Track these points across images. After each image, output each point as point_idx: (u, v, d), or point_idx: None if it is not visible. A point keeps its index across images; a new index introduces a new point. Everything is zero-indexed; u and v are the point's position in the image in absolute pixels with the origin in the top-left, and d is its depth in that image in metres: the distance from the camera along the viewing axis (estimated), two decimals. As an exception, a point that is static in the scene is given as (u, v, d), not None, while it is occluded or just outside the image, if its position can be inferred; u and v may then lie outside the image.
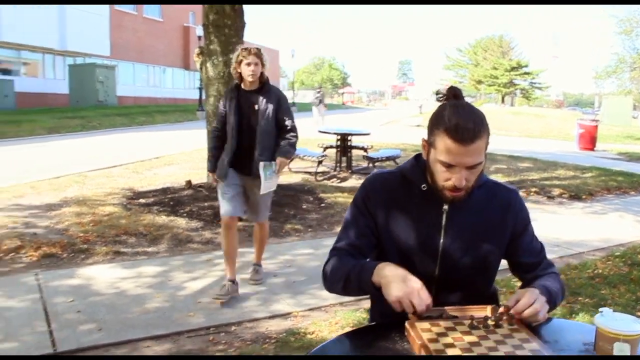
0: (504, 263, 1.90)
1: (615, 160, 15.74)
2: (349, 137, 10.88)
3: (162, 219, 6.61)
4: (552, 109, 64.24)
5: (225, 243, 4.40)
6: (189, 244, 5.79)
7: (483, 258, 1.78)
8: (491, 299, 1.82)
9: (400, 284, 1.53)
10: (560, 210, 8.34)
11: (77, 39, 31.20)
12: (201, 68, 7.43)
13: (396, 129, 25.31)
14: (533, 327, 1.52)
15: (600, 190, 9.93)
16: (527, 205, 6.31)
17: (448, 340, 1.40)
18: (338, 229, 1.98)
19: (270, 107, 4.32)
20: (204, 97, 8.59)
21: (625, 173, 12.14)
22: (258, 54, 4.28)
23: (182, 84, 44.25)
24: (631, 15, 24.96)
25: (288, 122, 4.41)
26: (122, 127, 20.82)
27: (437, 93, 1.70)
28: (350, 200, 1.91)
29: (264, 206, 4.60)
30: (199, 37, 20.90)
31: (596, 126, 18.97)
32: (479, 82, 71.56)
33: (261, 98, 4.31)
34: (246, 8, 7.54)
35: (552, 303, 1.66)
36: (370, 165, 10.48)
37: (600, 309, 1.38)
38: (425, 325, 1.47)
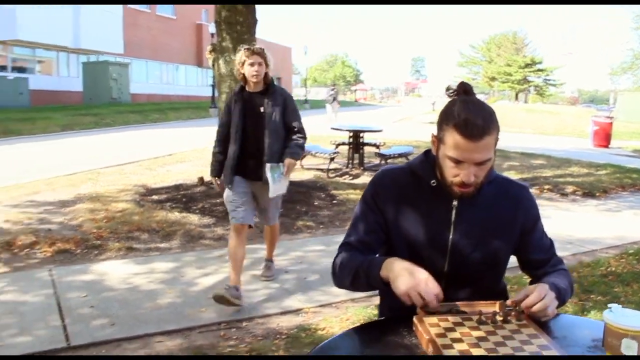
0: (513, 260, 1.90)
1: (631, 157, 15.58)
2: (361, 134, 10.86)
3: (175, 215, 6.65)
4: (566, 106, 63.81)
5: (233, 249, 4.17)
6: (201, 240, 5.82)
7: (492, 254, 1.78)
8: (500, 294, 1.82)
9: (407, 276, 1.53)
10: (573, 207, 8.29)
11: (90, 37, 31.38)
12: (213, 65, 7.45)
13: (409, 126, 25.24)
14: (541, 323, 1.52)
15: (615, 188, 9.84)
16: (540, 202, 6.25)
17: (456, 335, 1.40)
18: (349, 225, 1.99)
19: (277, 109, 4.17)
20: (216, 94, 8.65)
21: (641, 170, 12.02)
22: (261, 53, 4.12)
23: (195, 82, 44.38)
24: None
25: (295, 124, 4.27)
26: (135, 124, 20.94)
27: (448, 89, 1.70)
28: (362, 197, 1.91)
29: (275, 209, 4.49)
30: (212, 35, 20.94)
31: (611, 123, 18.78)
32: (493, 79, 71.26)
33: (267, 100, 4.16)
34: (258, 5, 7.55)
35: (561, 300, 1.65)
36: (383, 162, 10.46)
37: (609, 305, 1.37)
38: (433, 320, 1.48)
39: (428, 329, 1.42)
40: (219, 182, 4.43)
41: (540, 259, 1.84)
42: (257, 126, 4.17)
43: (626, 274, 5.09)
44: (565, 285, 1.73)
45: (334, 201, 7.88)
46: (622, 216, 7.85)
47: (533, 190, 9.00)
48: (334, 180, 9.43)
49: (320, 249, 5.66)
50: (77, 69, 32.57)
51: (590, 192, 9.26)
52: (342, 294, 4.26)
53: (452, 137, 1.58)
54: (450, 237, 1.75)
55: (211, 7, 7.81)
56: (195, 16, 42.77)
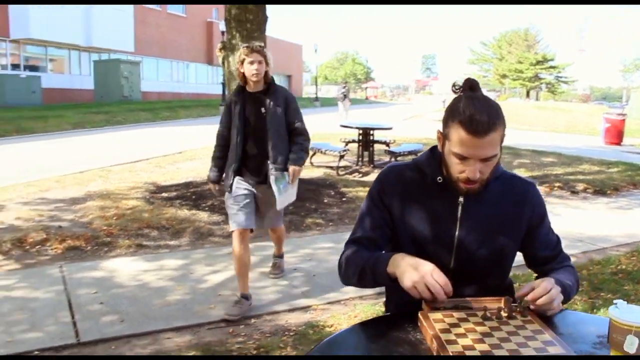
0: (520, 259, 1.89)
1: (643, 155, 15.46)
2: (371, 132, 10.86)
3: (184, 212, 6.68)
4: (578, 103, 63.42)
5: (237, 254, 4.02)
6: (210, 238, 5.84)
7: (499, 250, 1.77)
8: (507, 291, 1.81)
9: (413, 270, 1.53)
10: (584, 205, 8.24)
11: (102, 35, 31.59)
12: (223, 63, 7.47)
13: (419, 124, 25.17)
14: (546, 320, 1.51)
15: (626, 185, 9.77)
16: (551, 200, 6.27)
17: (460, 330, 1.40)
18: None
19: (279, 109, 4.01)
20: (226, 92, 8.66)
21: (653, 168, 11.92)
22: (261, 51, 3.93)
23: (205, 79, 44.51)
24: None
25: (298, 124, 4.12)
26: (146, 122, 21.03)
27: (454, 85, 1.69)
28: (370, 194, 1.90)
29: (275, 215, 4.30)
30: (222, 32, 20.97)
31: (623, 120, 18.62)
32: (504, 76, 70.97)
33: (268, 100, 3.99)
34: (268, 3, 7.56)
35: (566, 296, 1.65)
36: (392, 159, 10.45)
37: (615, 301, 1.36)
38: (438, 315, 1.48)
39: (433, 325, 1.42)
40: (217, 188, 4.27)
41: (547, 256, 1.84)
42: (259, 127, 4.00)
43: (637, 271, 5.05)
44: (571, 281, 1.72)
45: (344, 199, 7.88)
46: (633, 214, 7.80)
47: (543, 188, 8.97)
48: (343, 178, 9.43)
49: (329, 246, 5.67)
50: (88, 67, 32.78)
51: (601, 189, 9.20)
52: (351, 291, 4.27)
53: (458, 134, 1.58)
54: (457, 233, 1.75)
55: (222, 5, 7.80)
56: (205, 14, 42.88)
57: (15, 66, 29.33)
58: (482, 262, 1.76)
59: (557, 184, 9.38)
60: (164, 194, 7.66)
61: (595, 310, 4.04)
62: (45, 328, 3.65)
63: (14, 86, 25.44)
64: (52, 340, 3.48)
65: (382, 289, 1.98)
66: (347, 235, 1.90)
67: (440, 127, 1.70)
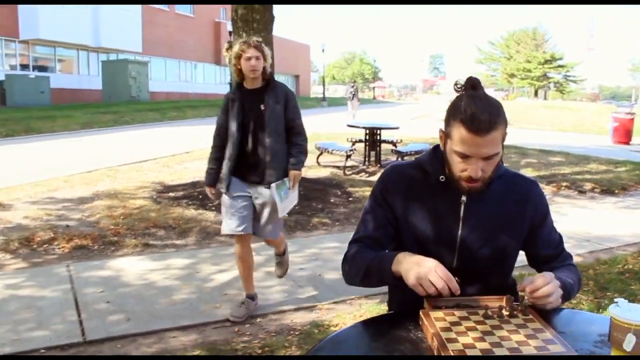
0: (524, 258, 1.89)
1: (652, 154, 15.38)
2: (378, 131, 10.85)
3: (191, 212, 6.70)
4: (587, 102, 63.13)
5: (240, 261, 4.00)
6: (216, 237, 5.85)
7: (501, 249, 1.78)
8: (509, 290, 1.81)
9: (417, 267, 1.54)
10: (591, 204, 8.20)
11: (110, 35, 31.73)
12: (230, 63, 7.47)
13: (427, 124, 25.12)
14: (548, 318, 1.51)
15: (634, 185, 9.72)
16: (558, 199, 6.25)
17: (461, 329, 1.40)
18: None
19: (279, 106, 3.83)
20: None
21: (661, 167, 11.86)
22: (258, 46, 3.77)
23: (212, 79, 44.61)
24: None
25: (297, 122, 3.94)
26: (154, 122, 21.09)
27: (456, 84, 1.70)
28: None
29: (274, 224, 3.97)
30: (230, 32, 21.03)
31: (632, 119, 18.51)
32: (512, 75, 70.76)
33: (267, 97, 3.81)
34: (275, 4, 7.57)
35: (567, 294, 1.65)
36: (399, 159, 10.44)
37: (615, 300, 1.36)
38: (439, 314, 1.48)
39: (434, 323, 1.42)
40: (213, 192, 4.06)
41: (549, 254, 1.83)
42: (257, 125, 3.82)
43: (644, 271, 5.03)
44: (572, 280, 1.72)
45: (350, 198, 7.89)
46: (641, 214, 7.76)
47: (550, 188, 8.94)
48: (350, 178, 9.44)
49: (335, 245, 5.67)
50: (97, 67, 32.94)
51: (608, 189, 9.16)
52: (356, 290, 4.24)
53: (459, 132, 1.58)
54: (459, 232, 1.75)
55: (229, 5, 7.83)
56: (213, 14, 42.99)
57: (24, 66, 29.53)
58: (485, 261, 1.76)
59: (564, 184, 9.35)
60: (171, 194, 7.69)
61: (601, 310, 4.03)
62: (52, 326, 3.67)
63: (23, 86, 25.58)
64: (58, 339, 3.50)
65: (386, 288, 1.98)
66: (353, 235, 1.90)
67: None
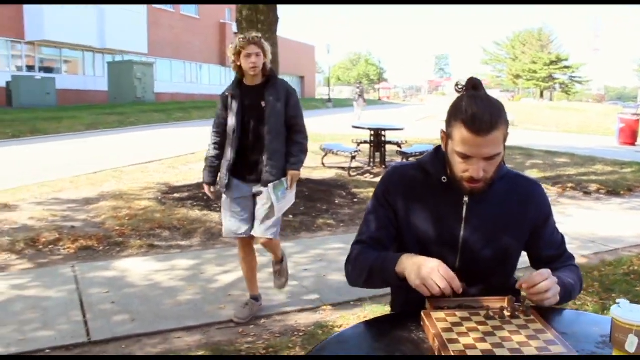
0: (526, 260, 1.89)
1: (657, 155, 15.31)
2: (383, 133, 10.86)
3: (196, 213, 6.71)
4: (593, 103, 62.92)
5: (243, 263, 4.03)
6: (221, 238, 5.86)
7: (504, 250, 1.78)
8: (512, 291, 1.82)
9: (420, 268, 1.54)
10: (596, 206, 8.19)
11: (115, 36, 31.81)
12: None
13: (432, 125, 25.08)
14: (550, 319, 1.51)
15: (640, 186, 9.70)
16: (563, 201, 6.23)
17: (462, 329, 1.40)
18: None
19: (279, 103, 3.73)
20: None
21: (667, 168, 11.82)
22: (258, 42, 3.67)
23: (218, 80, 44.62)
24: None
25: (297, 120, 3.85)
26: (159, 123, 21.13)
27: (457, 84, 1.70)
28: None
29: (273, 223, 3.82)
30: (235, 33, 21.06)
31: (638, 120, 18.44)
32: (517, 76, 70.64)
33: (267, 93, 3.71)
34: (280, 4, 7.60)
35: (568, 294, 1.65)
36: (404, 160, 10.44)
37: (617, 300, 1.36)
38: (441, 315, 1.48)
39: (435, 324, 1.43)
40: (212, 190, 3.98)
41: (552, 255, 1.83)
42: (257, 122, 3.73)
43: (649, 273, 5.02)
44: (573, 280, 1.72)
45: (355, 199, 7.89)
46: (647, 215, 7.74)
47: (556, 189, 8.93)
48: (355, 179, 9.45)
49: (340, 247, 5.67)
50: (102, 68, 33.02)
51: (614, 190, 9.14)
52: (360, 291, 4.25)
53: (460, 133, 1.59)
54: (461, 233, 1.75)
55: (235, 6, 7.86)
56: (219, 15, 43.04)
57: (30, 68, 29.66)
58: (487, 261, 1.76)
59: (569, 185, 9.33)
60: (176, 195, 7.70)
61: (606, 312, 4.01)
62: (57, 327, 3.69)
63: (29, 87, 25.66)
64: (63, 339, 3.52)
65: (389, 289, 1.99)
66: (358, 237, 1.90)
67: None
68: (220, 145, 3.91)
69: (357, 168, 10.42)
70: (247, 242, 3.95)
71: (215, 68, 44.05)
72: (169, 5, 37.89)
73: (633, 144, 17.88)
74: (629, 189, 9.31)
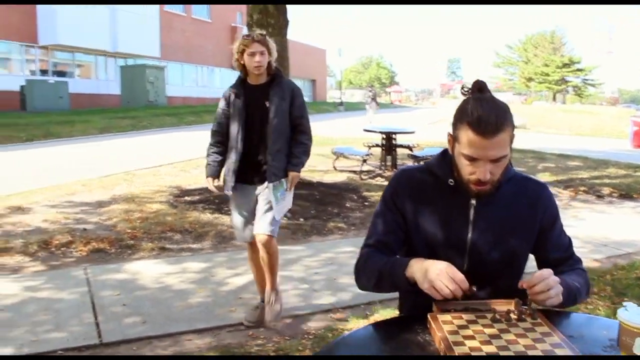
0: (534, 264, 1.89)
1: (672, 158, 15.18)
2: (394, 136, 10.85)
3: (207, 216, 6.74)
4: (606, 106, 62.47)
5: (253, 266, 4.01)
6: (232, 241, 5.88)
7: (511, 252, 1.78)
8: (520, 294, 1.82)
9: (429, 270, 1.54)
10: (609, 209, 8.13)
11: (128, 40, 32.00)
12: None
13: (444, 128, 25.02)
14: (558, 322, 1.51)
15: (654, 190, 9.61)
16: (575, 204, 6.20)
17: (468, 332, 1.41)
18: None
19: (284, 102, 3.65)
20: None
21: (681, 172, 11.71)
22: (263, 41, 3.58)
23: (229, 84, 44.56)
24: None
25: (302, 121, 3.76)
26: (171, 127, 21.21)
27: (463, 87, 1.71)
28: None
29: (270, 218, 3.68)
30: (246, 38, 21.05)
31: (651, 123, 18.33)
32: (530, 79, 70.28)
33: (272, 93, 3.63)
34: (290, 5, 7.65)
35: (573, 297, 1.65)
36: (416, 164, 10.42)
37: (624, 304, 1.36)
38: (447, 317, 1.49)
39: (441, 326, 1.43)
40: (215, 185, 3.87)
41: (558, 258, 1.83)
42: (260, 122, 3.65)
43: (662, 277, 4.98)
44: (579, 283, 1.72)
45: (366, 203, 7.89)
46: (661, 218, 7.68)
47: (568, 192, 8.88)
48: (366, 182, 9.45)
49: (350, 250, 5.67)
50: (114, 72, 33.22)
51: (627, 193, 9.07)
52: (371, 295, 4.25)
53: (466, 135, 1.59)
54: (469, 236, 1.75)
55: (245, 10, 7.91)
56: (230, 19, 43.20)
57: (43, 72, 29.90)
58: (495, 264, 1.76)
59: (582, 188, 9.28)
60: (188, 198, 7.74)
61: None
62: (69, 328, 3.72)
63: (43, 91, 25.86)
64: (75, 341, 3.54)
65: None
66: (369, 240, 1.90)
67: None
68: (221, 143, 3.83)
69: (368, 171, 10.42)
70: (257, 245, 3.89)
71: (226, 72, 44.16)
72: (180, 9, 38.07)
73: (647, 147, 17.75)
74: (642, 193, 9.23)
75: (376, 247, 1.84)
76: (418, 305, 1.66)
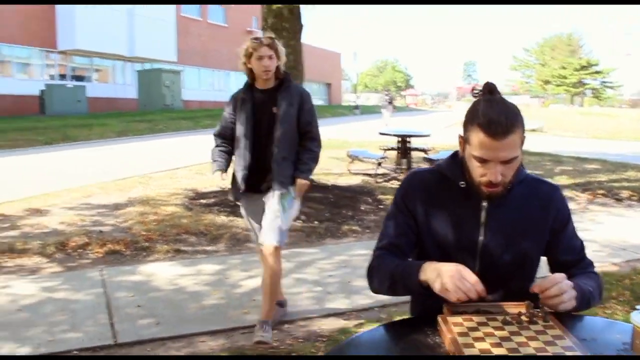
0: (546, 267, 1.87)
1: (692, 161, 14.98)
2: (409, 139, 10.83)
3: (222, 219, 6.77)
4: (626, 108, 61.85)
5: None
6: (246, 244, 5.90)
7: (523, 255, 1.77)
8: (532, 296, 1.81)
9: (443, 273, 1.53)
10: (628, 213, 8.03)
11: (145, 45, 32.28)
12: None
13: (460, 131, 24.93)
14: (571, 325, 1.50)
15: (673, 193, 9.48)
16: (593, 207, 6.16)
17: (478, 334, 1.40)
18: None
19: (292, 108, 3.53)
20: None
21: (702, 174, 11.55)
22: (271, 44, 3.47)
23: (245, 88, 44.90)
24: None
25: (311, 127, 3.63)
26: (187, 130, 21.34)
27: (473, 89, 1.70)
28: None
29: (277, 228, 3.56)
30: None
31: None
32: (547, 82, 69.79)
33: (280, 98, 3.53)
34: (307, 10, 7.67)
35: (586, 301, 1.63)
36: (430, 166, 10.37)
37: (637, 306, 1.34)
38: (458, 319, 1.48)
39: (451, 328, 1.42)
40: (224, 178, 3.70)
41: (570, 260, 1.81)
42: (268, 128, 3.54)
43: (681, 281, 4.90)
44: (591, 287, 1.70)
45: (381, 206, 7.87)
46: (680, 222, 7.57)
47: (586, 195, 8.80)
48: (381, 185, 9.43)
49: (365, 253, 5.66)
50: (132, 76, 33.52)
51: (646, 197, 8.95)
52: (385, 298, 4.23)
53: (477, 137, 1.59)
54: (480, 238, 1.74)
55: (260, 14, 7.95)
56: (246, 23, 43.37)
57: (62, 76, 30.28)
58: (506, 266, 1.75)
59: (600, 191, 9.18)
60: (203, 201, 7.78)
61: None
62: (85, 329, 3.75)
63: (61, 96, 26.17)
64: (90, 341, 3.58)
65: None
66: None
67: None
68: (227, 144, 3.75)
69: (383, 174, 10.40)
70: None
71: (242, 76, 44.01)
72: (197, 14, 38.35)
73: (667, 149, 17.52)
74: (662, 196, 9.12)
75: (388, 249, 1.83)
76: (429, 308, 1.65)
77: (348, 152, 10.95)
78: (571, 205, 8.13)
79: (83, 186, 8.80)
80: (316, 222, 6.72)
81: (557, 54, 69.54)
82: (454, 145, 1.82)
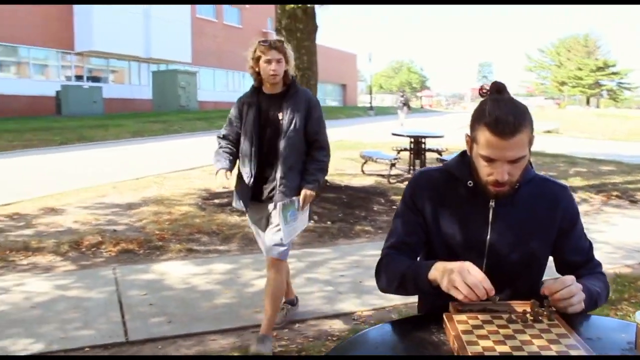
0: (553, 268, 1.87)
1: None
2: (423, 140, 10.80)
3: (235, 218, 6.79)
4: (644, 110, 61.25)
5: None
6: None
7: (530, 254, 1.76)
8: (539, 296, 1.80)
9: (451, 271, 1.52)
10: (643, 215, 7.96)
11: (160, 47, 32.48)
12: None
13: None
14: (576, 324, 1.49)
15: (689, 195, 9.38)
16: (607, 209, 6.13)
17: (482, 332, 1.40)
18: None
19: (298, 115, 3.37)
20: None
21: None
22: (280, 47, 3.33)
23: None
24: None
25: (319, 136, 3.46)
26: (202, 131, 21.40)
27: (482, 89, 1.70)
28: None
29: (279, 240, 3.42)
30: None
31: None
32: (562, 83, 69.21)
33: (287, 104, 3.38)
34: (322, 11, 7.68)
35: (593, 302, 1.63)
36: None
37: (642, 306, 1.34)
38: (463, 317, 1.48)
39: (456, 326, 1.42)
40: (229, 177, 3.46)
41: (577, 261, 1.81)
42: (274, 136, 3.38)
43: (695, 284, 4.85)
44: (599, 288, 1.69)
45: (393, 207, 7.86)
46: (696, 225, 7.49)
47: (600, 197, 8.72)
48: (394, 186, 9.42)
49: (377, 253, 5.55)
50: (147, 77, 33.74)
51: (662, 199, 8.87)
52: (396, 298, 4.25)
53: (484, 136, 1.58)
54: (488, 237, 1.74)
55: (274, 15, 7.96)
56: (260, 24, 43.49)
57: (78, 77, 30.55)
58: (514, 265, 1.75)
59: (614, 193, 9.10)
60: (216, 201, 7.81)
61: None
62: (97, 326, 3.79)
63: (77, 97, 26.38)
64: (102, 338, 3.61)
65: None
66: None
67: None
68: (231, 146, 3.60)
69: (396, 175, 10.38)
70: None
71: (257, 77, 44.43)
72: (212, 16, 38.53)
73: (684, 152, 17.32)
74: (678, 198, 9.02)
75: (397, 248, 1.84)
76: (437, 307, 1.65)
77: (361, 152, 10.95)
78: (585, 207, 8.10)
79: (98, 186, 8.87)
80: (329, 223, 6.73)
81: (573, 54, 68.99)
82: (468, 147, 1.80)
